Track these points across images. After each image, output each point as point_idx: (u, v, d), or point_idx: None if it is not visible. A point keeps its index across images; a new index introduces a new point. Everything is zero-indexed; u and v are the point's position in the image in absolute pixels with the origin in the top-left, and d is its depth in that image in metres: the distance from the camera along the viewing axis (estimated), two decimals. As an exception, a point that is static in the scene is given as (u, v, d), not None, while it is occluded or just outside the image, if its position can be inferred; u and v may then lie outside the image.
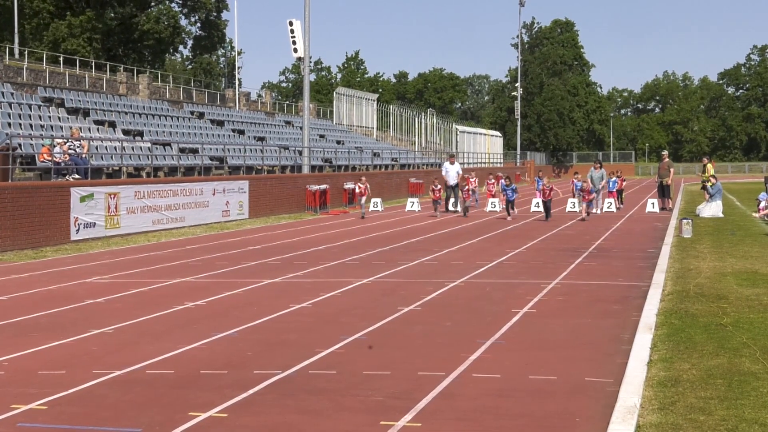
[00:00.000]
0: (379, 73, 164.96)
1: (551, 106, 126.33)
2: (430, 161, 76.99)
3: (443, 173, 41.58)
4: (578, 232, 29.86)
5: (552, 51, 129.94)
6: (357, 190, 38.44)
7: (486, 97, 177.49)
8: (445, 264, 21.00)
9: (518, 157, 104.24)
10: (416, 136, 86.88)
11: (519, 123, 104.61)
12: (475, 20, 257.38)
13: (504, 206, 36.66)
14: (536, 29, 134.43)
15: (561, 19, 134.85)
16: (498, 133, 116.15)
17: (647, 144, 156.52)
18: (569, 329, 13.04)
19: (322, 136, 63.11)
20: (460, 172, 41.40)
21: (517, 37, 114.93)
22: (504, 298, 15.90)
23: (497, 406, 9.01)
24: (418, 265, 20.78)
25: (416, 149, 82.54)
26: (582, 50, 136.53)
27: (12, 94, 39.60)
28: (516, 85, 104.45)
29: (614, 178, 44.03)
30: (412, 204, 43.18)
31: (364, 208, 38.11)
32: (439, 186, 37.96)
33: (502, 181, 36.64)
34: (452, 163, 41.92)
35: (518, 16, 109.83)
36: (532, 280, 18.11)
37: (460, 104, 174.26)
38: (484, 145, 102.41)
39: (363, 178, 38.76)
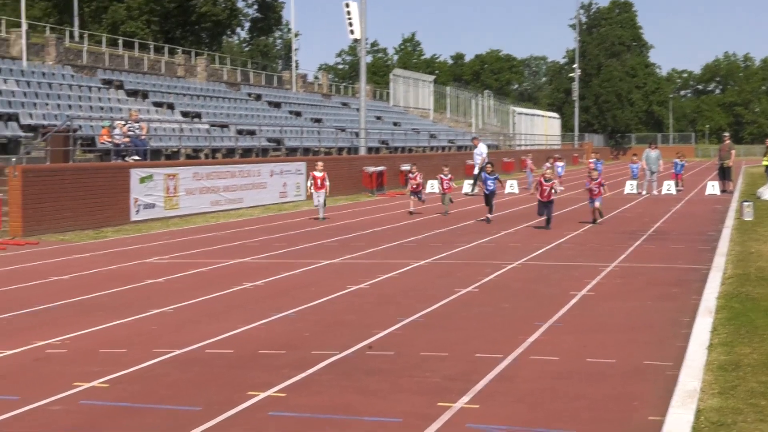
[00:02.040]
0: (435, 54, 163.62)
1: (609, 87, 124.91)
2: (487, 143, 76.60)
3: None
4: (637, 214, 29.58)
5: (610, 32, 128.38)
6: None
7: (543, 79, 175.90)
8: (503, 246, 20.92)
9: (576, 139, 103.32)
10: (473, 118, 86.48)
11: (577, 104, 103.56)
12: (532, 1, 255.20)
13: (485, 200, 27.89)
14: (594, 10, 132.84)
15: (619, 0, 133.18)
16: (555, 115, 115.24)
17: (707, 126, 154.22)
18: (627, 312, 12.93)
19: (378, 118, 63.06)
20: (484, 154, 40.82)
21: (575, 17, 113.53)
22: (561, 280, 15.81)
23: (555, 388, 8.97)
24: (475, 247, 20.73)
25: (473, 131, 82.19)
26: (641, 31, 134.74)
27: (72, 76, 40.06)
28: (574, 66, 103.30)
29: (683, 161, 43.60)
30: (470, 186, 43.01)
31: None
32: (416, 174, 30.94)
33: (483, 172, 29.66)
34: (476, 145, 41.54)
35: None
36: (590, 262, 17.99)
37: (517, 86, 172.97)
38: (542, 126, 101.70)
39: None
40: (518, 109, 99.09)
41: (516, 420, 7.93)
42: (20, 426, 7.85)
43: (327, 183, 27.94)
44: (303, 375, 9.48)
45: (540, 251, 19.83)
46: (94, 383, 9.18)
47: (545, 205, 24.44)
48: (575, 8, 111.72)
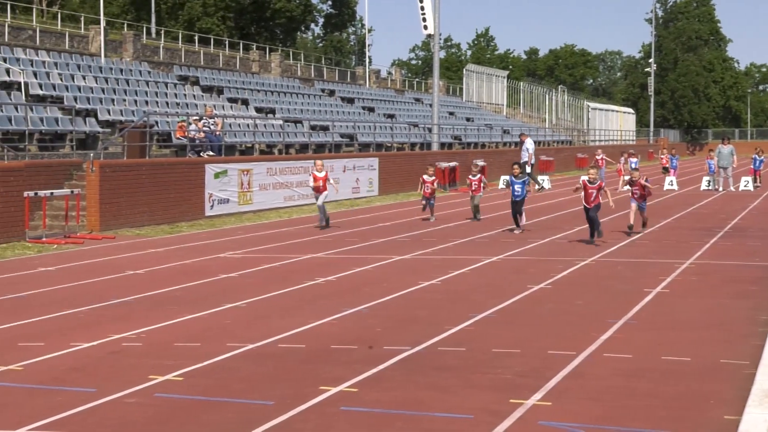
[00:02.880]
0: (509, 49, 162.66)
1: (686, 82, 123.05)
2: (560, 138, 76.09)
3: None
4: (713, 211, 29.13)
5: (687, 26, 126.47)
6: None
7: (618, 74, 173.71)
8: (576, 242, 20.74)
9: (651, 134, 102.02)
10: (547, 113, 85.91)
11: (652, 99, 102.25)
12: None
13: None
14: (671, 3, 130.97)
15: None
16: (630, 110, 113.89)
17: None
18: (703, 310, 12.74)
19: (451, 114, 62.93)
20: (531, 150, 40.38)
21: (651, 12, 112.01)
22: (636, 277, 15.63)
23: (628, 386, 8.86)
24: (548, 243, 20.58)
25: (547, 126, 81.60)
26: (719, 25, 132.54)
27: (149, 72, 40.63)
28: (650, 61, 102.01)
29: (762, 157, 42.84)
30: (543, 181, 42.69)
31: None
32: (433, 177, 26.69)
33: (510, 176, 23.26)
34: (523, 140, 41.09)
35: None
36: (665, 259, 17.75)
37: (591, 81, 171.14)
38: (616, 122, 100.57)
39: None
40: (592, 105, 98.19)
41: (588, 418, 7.85)
42: (96, 418, 7.96)
43: (331, 183, 24.45)
44: (375, 370, 9.49)
45: (614, 248, 19.62)
46: (169, 376, 9.29)
47: (589, 212, 20.05)
48: (652, 2, 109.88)
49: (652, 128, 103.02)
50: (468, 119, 64.35)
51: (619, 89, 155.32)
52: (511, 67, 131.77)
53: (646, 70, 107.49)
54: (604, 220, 21.34)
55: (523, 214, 22.84)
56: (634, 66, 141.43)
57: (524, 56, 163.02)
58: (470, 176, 26.45)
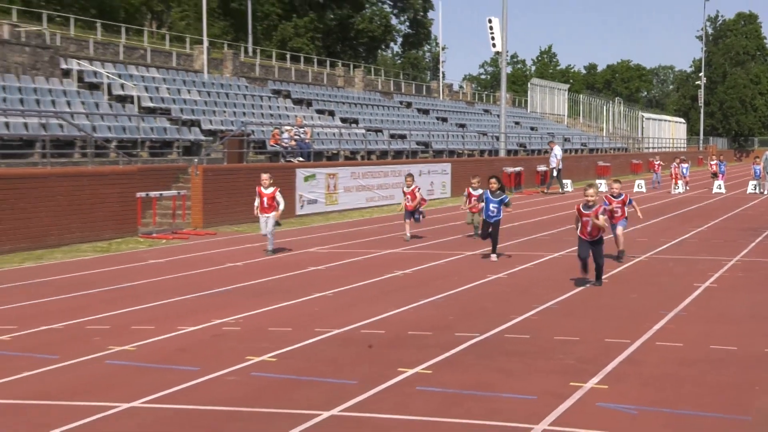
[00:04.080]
0: (570, 65, 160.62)
1: (734, 94, 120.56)
2: (617, 146, 75.11)
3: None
4: (759, 212, 28.50)
5: (735, 42, 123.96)
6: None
7: (671, 86, 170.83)
8: (631, 241, 20.44)
9: (701, 142, 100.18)
10: (604, 123, 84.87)
11: (702, 110, 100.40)
12: (661, 14, 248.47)
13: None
14: (720, 22, 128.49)
15: (745, 12, 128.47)
16: (682, 120, 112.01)
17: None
18: (750, 304, 12.49)
19: (517, 123, 62.55)
20: (559, 156, 39.80)
21: (702, 29, 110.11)
22: (686, 273, 15.37)
23: (679, 373, 8.74)
24: (606, 242, 20.33)
25: (604, 135, 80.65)
26: (765, 41, 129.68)
27: (246, 87, 41.08)
28: (700, 74, 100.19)
29: None
30: (600, 185, 42.29)
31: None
32: (412, 187, 20.42)
33: (486, 191, 17.23)
34: (551, 147, 40.54)
35: (703, 10, 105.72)
36: (713, 256, 17.43)
37: (645, 93, 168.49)
38: (668, 130, 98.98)
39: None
40: (647, 115, 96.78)
41: (643, 401, 7.77)
42: (199, 394, 8.10)
43: (279, 202, 18.28)
44: (447, 354, 9.49)
45: (665, 246, 19.33)
46: (264, 357, 9.40)
47: (588, 247, 13.72)
48: (702, 20, 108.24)
49: (701, 136, 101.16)
50: (532, 128, 63.88)
51: (671, 101, 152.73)
52: (571, 81, 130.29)
53: (696, 83, 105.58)
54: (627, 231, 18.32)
55: (497, 240, 17.06)
56: (685, 79, 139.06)
57: (584, 71, 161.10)
58: (470, 189, 20.05)
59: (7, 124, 23.70)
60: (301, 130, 30.69)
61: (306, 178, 27.76)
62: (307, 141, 30.80)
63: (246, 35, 65.03)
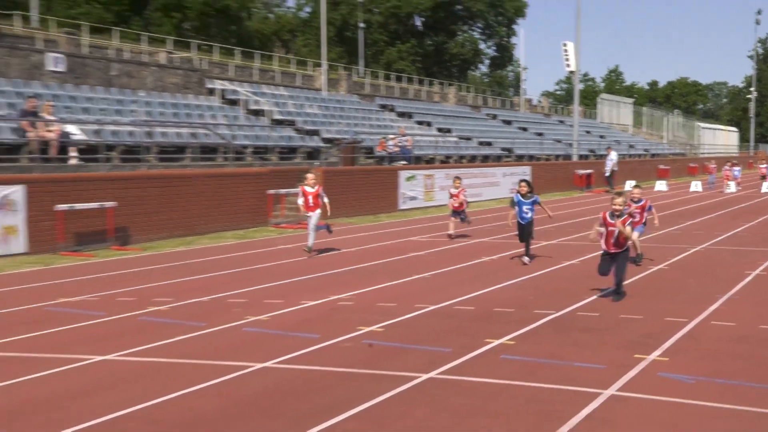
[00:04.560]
0: (634, 82, 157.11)
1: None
2: (675, 151, 73.02)
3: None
4: (804, 209, 27.36)
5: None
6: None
7: (724, 100, 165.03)
8: (688, 233, 19.88)
9: (751, 148, 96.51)
10: (664, 132, 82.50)
11: (753, 121, 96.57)
12: (716, 35, 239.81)
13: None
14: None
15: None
16: (734, 129, 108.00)
17: None
18: (796, 289, 12.00)
19: (587, 132, 61.33)
20: (615, 160, 38.51)
21: (753, 49, 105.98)
22: (738, 262, 14.84)
23: (732, 348, 8.45)
24: (664, 234, 19.80)
25: (664, 142, 78.46)
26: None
27: (358, 102, 41.32)
28: (751, 89, 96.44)
29: None
30: (661, 185, 41.31)
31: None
32: (459, 189, 18.93)
33: (517, 194, 15.09)
34: (608, 153, 39.30)
35: (754, 32, 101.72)
36: (762, 248, 16.79)
37: (701, 105, 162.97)
38: (722, 138, 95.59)
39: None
40: (702, 125, 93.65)
41: (700, 372, 7.54)
42: (320, 357, 8.19)
43: (325, 201, 16.13)
44: (527, 328, 9.39)
45: (719, 238, 18.69)
46: (373, 328, 9.45)
47: (612, 260, 11.03)
48: (753, 41, 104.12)
49: (752, 143, 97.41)
50: (601, 136, 62.47)
51: (724, 112, 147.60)
52: (635, 95, 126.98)
53: (747, 96, 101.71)
54: (644, 239, 14.74)
55: (530, 242, 15.11)
56: (737, 93, 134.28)
57: (647, 87, 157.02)
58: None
59: (164, 134, 24.40)
60: (404, 138, 30.76)
61: (407, 179, 27.82)
62: (408, 147, 30.86)
63: (358, 59, 65.49)
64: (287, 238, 19.61)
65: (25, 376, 7.52)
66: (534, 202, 14.88)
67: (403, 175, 27.71)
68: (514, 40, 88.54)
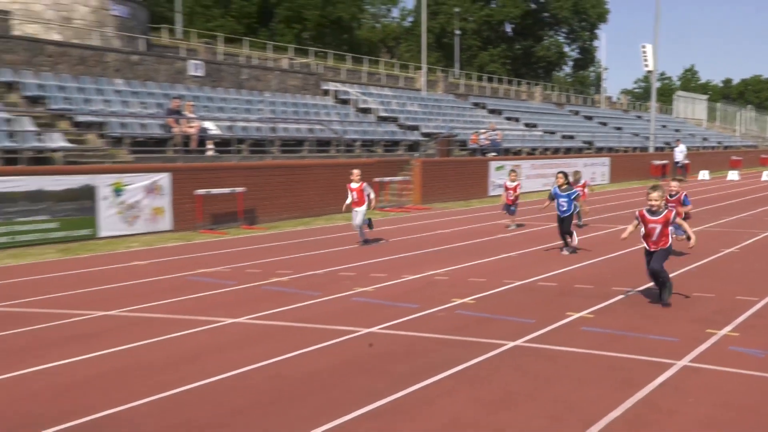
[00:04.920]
0: (709, 80, 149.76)
1: None
2: (748, 143, 69.50)
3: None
4: None
5: None
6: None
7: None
8: (759, 219, 18.91)
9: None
10: (737, 126, 78.64)
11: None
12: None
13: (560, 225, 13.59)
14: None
15: None
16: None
17: None
18: None
19: (663, 126, 59.03)
20: (685, 152, 36.88)
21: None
22: (807, 246, 14.04)
23: (801, 326, 8.00)
24: (736, 220, 18.91)
25: (737, 135, 74.82)
26: None
27: (453, 101, 40.99)
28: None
29: None
30: (733, 174, 39.44)
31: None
32: (516, 183, 17.34)
33: (554, 188, 13.45)
34: (677, 145, 37.46)
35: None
36: (832, 234, 15.82)
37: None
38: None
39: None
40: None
41: (768, 347, 7.17)
42: (418, 324, 8.18)
43: (371, 196, 14.73)
44: (605, 303, 9.14)
45: (789, 224, 17.73)
46: (465, 300, 9.39)
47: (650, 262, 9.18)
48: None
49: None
50: (676, 130, 60.08)
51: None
52: (709, 92, 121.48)
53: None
54: (710, 226, 16.46)
55: (574, 233, 13.40)
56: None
57: (721, 84, 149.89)
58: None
59: (285, 129, 24.84)
60: (494, 132, 30.35)
61: (497, 168, 27.48)
62: (498, 141, 30.45)
63: (454, 63, 64.97)
64: (391, 220, 19.69)
65: (169, 334, 7.82)
66: (570, 196, 12.97)
67: (493, 165, 27.37)
68: (595, 43, 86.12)
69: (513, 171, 17.76)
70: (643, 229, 9.31)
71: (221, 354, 7.06)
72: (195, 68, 27.08)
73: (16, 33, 24.14)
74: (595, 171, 34.09)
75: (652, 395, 5.90)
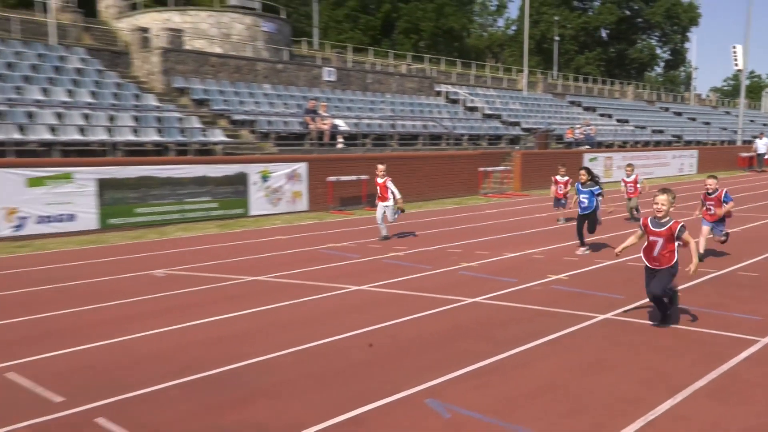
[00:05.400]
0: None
1: None
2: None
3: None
4: None
5: None
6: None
7: None
8: None
9: None
10: (825, 120, 72.03)
11: None
12: None
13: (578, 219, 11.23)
14: None
15: None
16: None
17: None
18: None
19: (751, 121, 54.91)
20: (764, 145, 33.71)
21: None
22: None
23: None
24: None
25: (824, 129, 68.62)
26: None
27: (551, 99, 39.79)
28: None
29: None
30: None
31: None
32: (565, 179, 15.55)
33: (577, 183, 11.29)
34: (761, 138, 34.22)
35: None
36: None
37: None
38: None
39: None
40: None
41: None
42: (517, 296, 8.03)
43: (393, 192, 12.39)
44: (692, 283, 8.64)
45: None
46: (560, 276, 9.14)
47: (653, 276, 6.68)
48: None
49: None
50: (765, 125, 55.76)
51: None
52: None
53: None
54: (744, 228, 14.66)
55: (594, 227, 11.03)
56: None
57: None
58: (624, 178, 15.55)
59: (403, 125, 24.93)
60: (588, 127, 29.25)
61: (590, 160, 26.48)
62: (592, 135, 29.34)
63: (552, 65, 62.97)
64: (493, 205, 19.42)
65: (305, 297, 8.06)
66: (592, 193, 10.81)
67: (587, 156, 26.39)
68: (686, 44, 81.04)
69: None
70: (645, 242, 6.73)
71: (347, 315, 7.21)
72: (328, 74, 27.62)
73: (186, 47, 25.43)
74: (683, 162, 32.24)
75: (736, 368, 5.54)
